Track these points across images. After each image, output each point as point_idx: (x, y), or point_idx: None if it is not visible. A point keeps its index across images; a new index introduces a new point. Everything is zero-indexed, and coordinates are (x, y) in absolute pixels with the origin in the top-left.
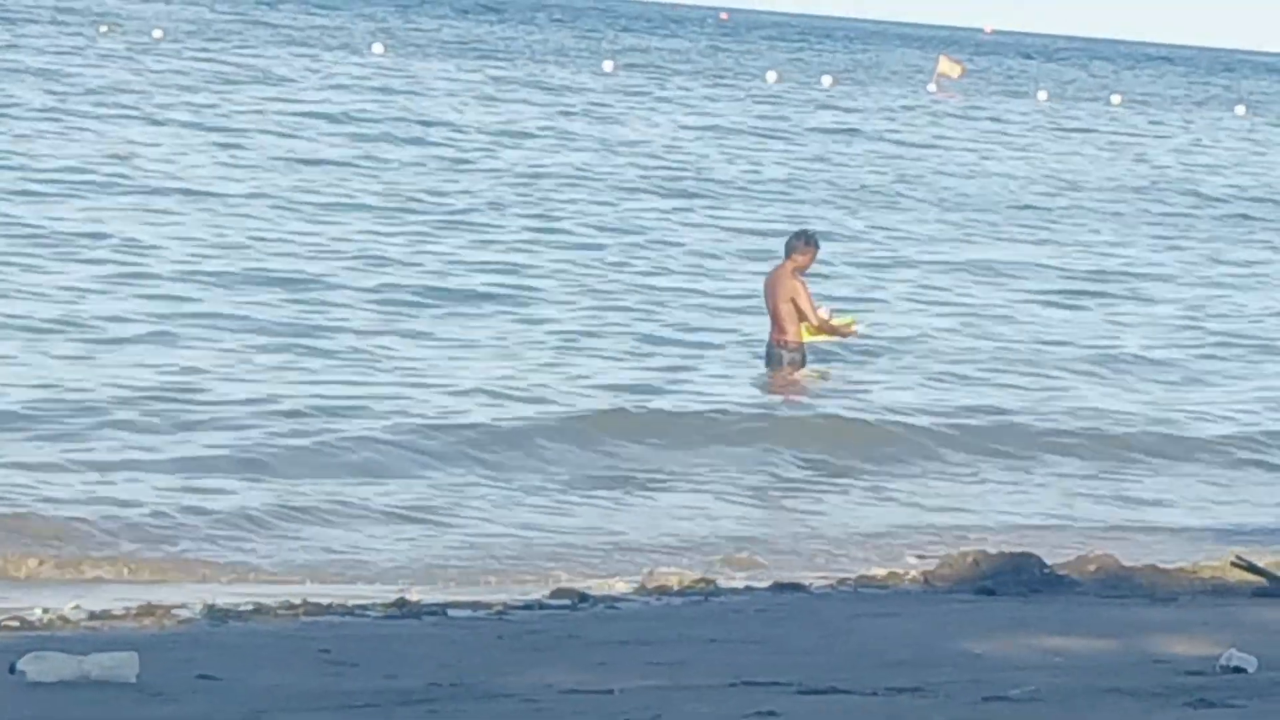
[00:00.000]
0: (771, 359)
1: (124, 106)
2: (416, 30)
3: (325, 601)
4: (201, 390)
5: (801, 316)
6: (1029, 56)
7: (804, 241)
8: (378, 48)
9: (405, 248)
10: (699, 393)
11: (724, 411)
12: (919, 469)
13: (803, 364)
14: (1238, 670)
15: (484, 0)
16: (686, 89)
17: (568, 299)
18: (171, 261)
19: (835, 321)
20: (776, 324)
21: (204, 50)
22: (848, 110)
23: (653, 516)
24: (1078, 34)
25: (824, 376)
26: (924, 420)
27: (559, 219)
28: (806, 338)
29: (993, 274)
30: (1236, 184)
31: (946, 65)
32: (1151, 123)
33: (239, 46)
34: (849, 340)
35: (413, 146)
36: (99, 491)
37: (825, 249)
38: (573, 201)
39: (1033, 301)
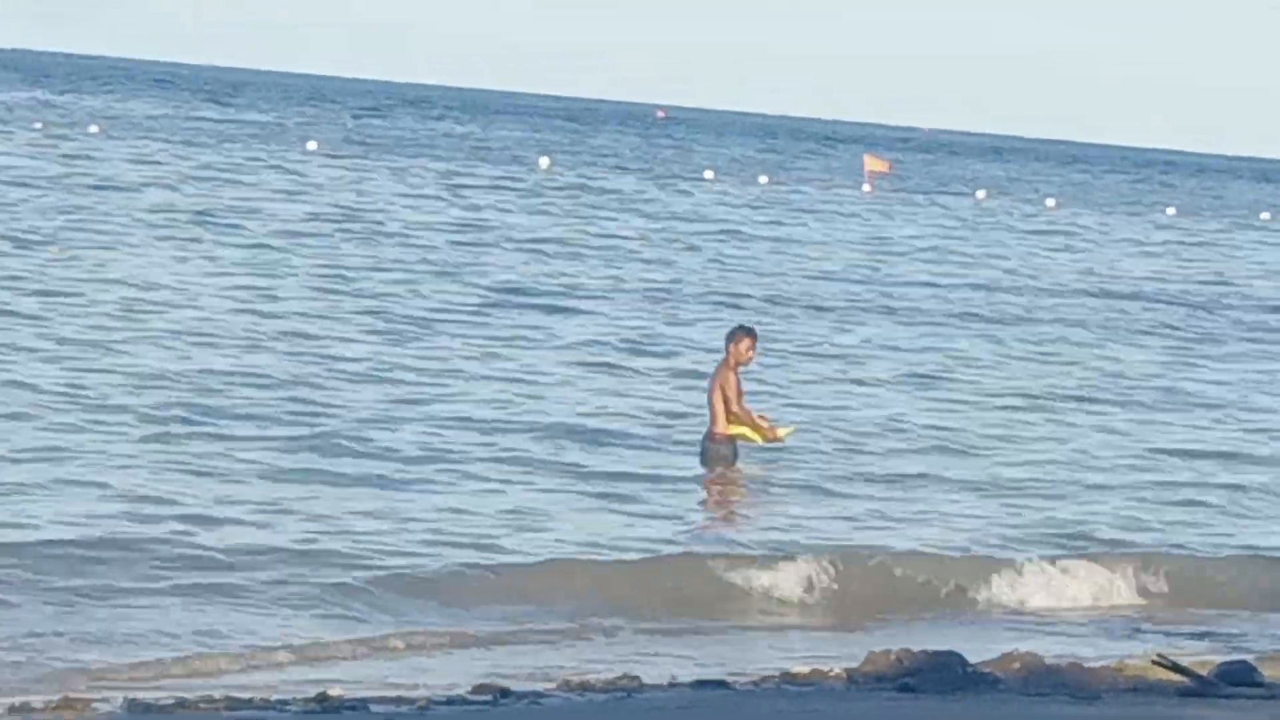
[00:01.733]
0: (704, 455)
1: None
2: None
3: (246, 696)
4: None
5: (726, 407)
6: (956, 153)
7: (741, 332)
8: (312, 145)
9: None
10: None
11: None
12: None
13: (733, 459)
14: None
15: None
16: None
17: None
18: None
19: (764, 423)
20: (710, 418)
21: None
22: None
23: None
24: (1016, 134)
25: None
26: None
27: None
28: (732, 430)
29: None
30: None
31: (872, 162)
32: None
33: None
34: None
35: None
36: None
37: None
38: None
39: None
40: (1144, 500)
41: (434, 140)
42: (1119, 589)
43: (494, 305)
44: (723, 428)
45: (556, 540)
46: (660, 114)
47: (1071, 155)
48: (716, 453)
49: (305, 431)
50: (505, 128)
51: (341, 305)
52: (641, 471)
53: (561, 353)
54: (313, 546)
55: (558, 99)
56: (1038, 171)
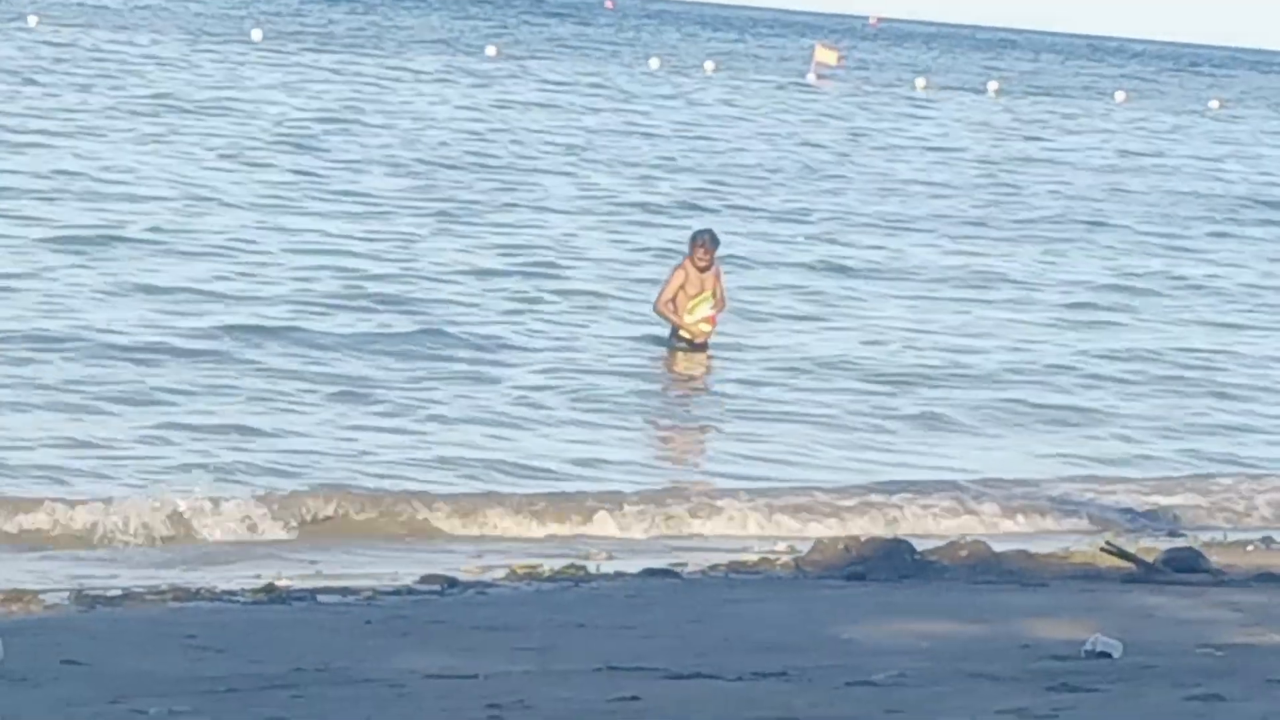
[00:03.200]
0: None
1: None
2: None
3: (194, 587)
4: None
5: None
6: (908, 45)
7: (697, 237)
8: (257, 34)
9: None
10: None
11: None
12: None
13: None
14: (1103, 655)
15: None
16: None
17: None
18: None
19: (688, 319)
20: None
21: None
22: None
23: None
24: (964, 22)
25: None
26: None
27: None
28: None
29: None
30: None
31: (823, 53)
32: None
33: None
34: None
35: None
36: None
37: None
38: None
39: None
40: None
41: (375, 30)
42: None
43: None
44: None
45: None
46: (609, 4)
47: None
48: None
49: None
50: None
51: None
52: None
53: None
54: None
55: None
56: (975, 59)
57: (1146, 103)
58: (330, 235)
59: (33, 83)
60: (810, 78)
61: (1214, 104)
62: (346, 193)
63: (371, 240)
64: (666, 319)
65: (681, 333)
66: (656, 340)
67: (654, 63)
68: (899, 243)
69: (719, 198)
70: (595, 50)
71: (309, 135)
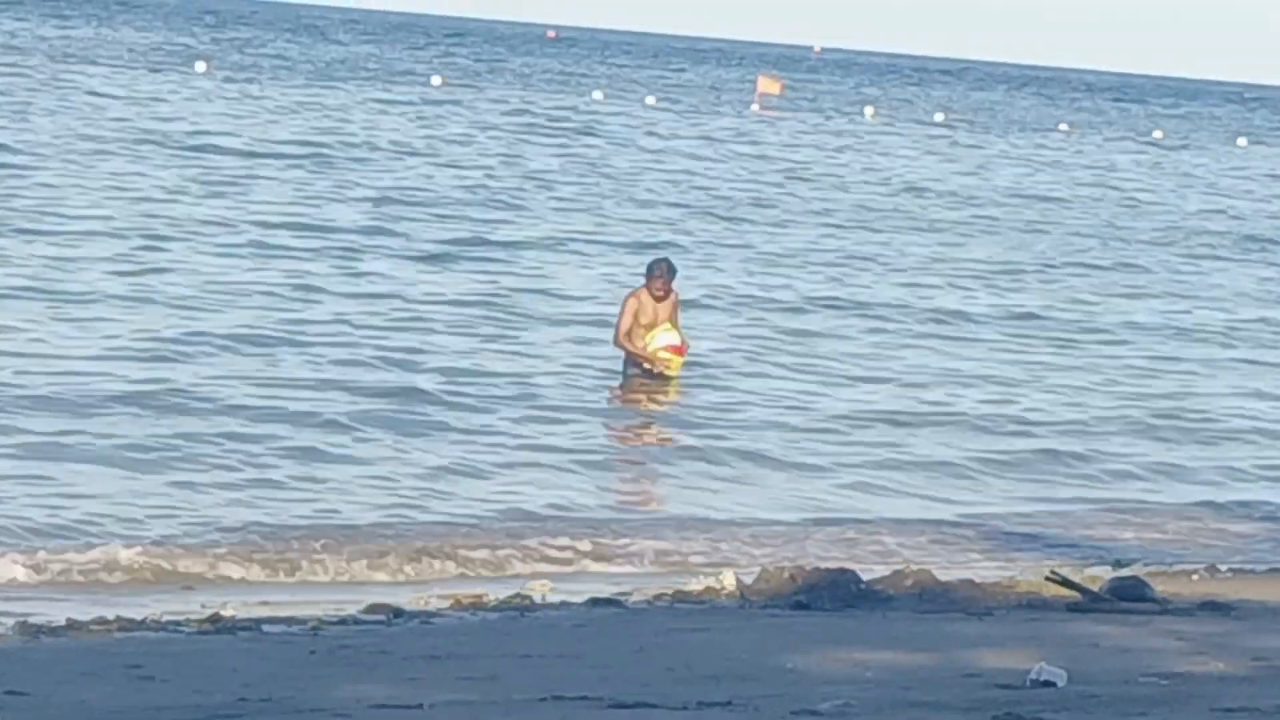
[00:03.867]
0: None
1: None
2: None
3: (139, 617)
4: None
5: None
6: (850, 74)
7: (653, 265)
8: (200, 65)
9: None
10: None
11: None
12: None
13: (624, 378)
14: (1047, 684)
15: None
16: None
17: None
18: None
19: (650, 350)
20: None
21: None
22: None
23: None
24: (908, 53)
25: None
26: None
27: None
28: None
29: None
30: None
31: (766, 83)
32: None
33: None
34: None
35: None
36: None
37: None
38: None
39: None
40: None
41: (329, 61)
42: None
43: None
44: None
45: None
46: (551, 34)
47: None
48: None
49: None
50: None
51: None
52: None
53: None
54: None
55: (449, 18)
56: (927, 89)
57: (1090, 133)
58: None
59: None
60: (754, 108)
61: (1158, 134)
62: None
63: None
64: (626, 351)
65: (643, 364)
66: (612, 372)
67: (598, 94)
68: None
69: (679, 230)
70: (539, 80)
71: None
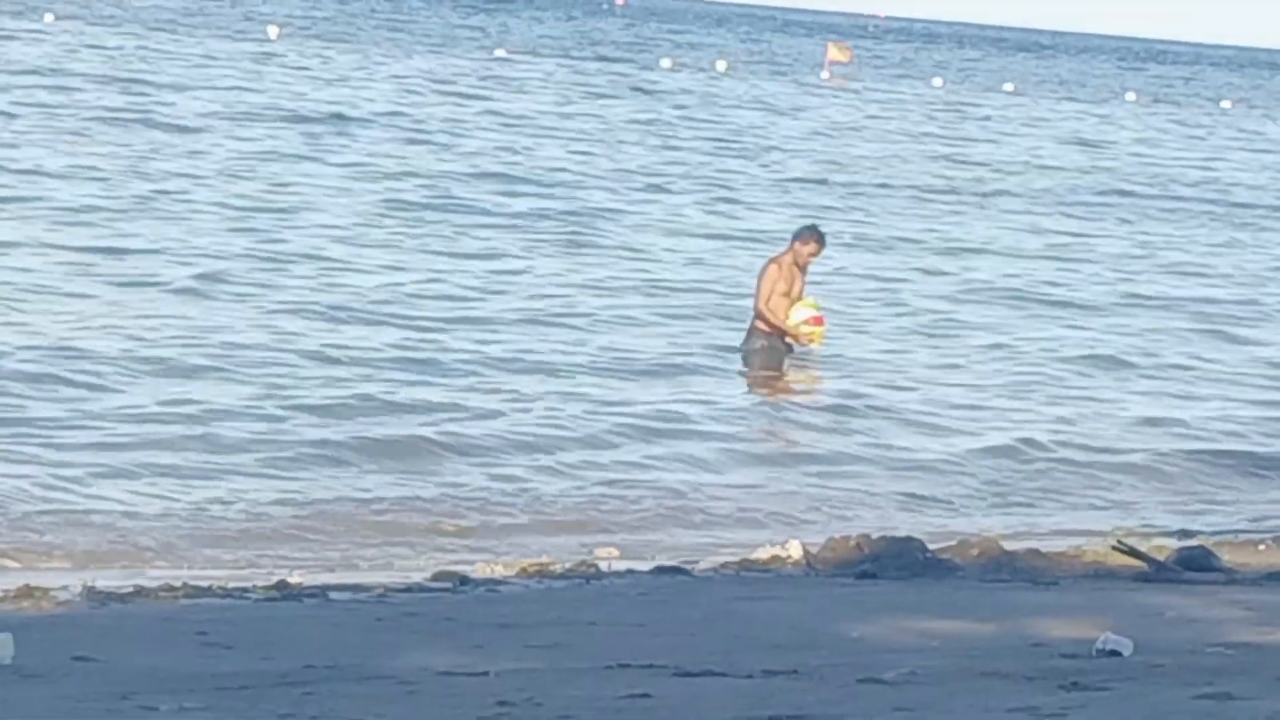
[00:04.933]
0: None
1: None
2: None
3: (205, 584)
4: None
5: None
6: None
7: (809, 233)
8: (273, 31)
9: None
10: None
11: None
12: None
13: (772, 357)
14: (1113, 654)
15: None
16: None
17: None
18: None
19: (792, 324)
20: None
21: None
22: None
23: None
24: (970, 20)
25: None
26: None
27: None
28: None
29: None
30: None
31: (835, 51)
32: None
33: None
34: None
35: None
36: None
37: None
38: None
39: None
40: None
41: (350, 19)
42: None
43: None
44: (760, 322)
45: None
46: (620, 0)
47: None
48: (750, 345)
49: None
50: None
51: None
52: None
53: None
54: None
55: None
56: (995, 58)
57: (1160, 106)
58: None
59: None
60: (825, 75)
61: (1226, 103)
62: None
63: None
64: (767, 323)
65: (785, 338)
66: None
67: (665, 62)
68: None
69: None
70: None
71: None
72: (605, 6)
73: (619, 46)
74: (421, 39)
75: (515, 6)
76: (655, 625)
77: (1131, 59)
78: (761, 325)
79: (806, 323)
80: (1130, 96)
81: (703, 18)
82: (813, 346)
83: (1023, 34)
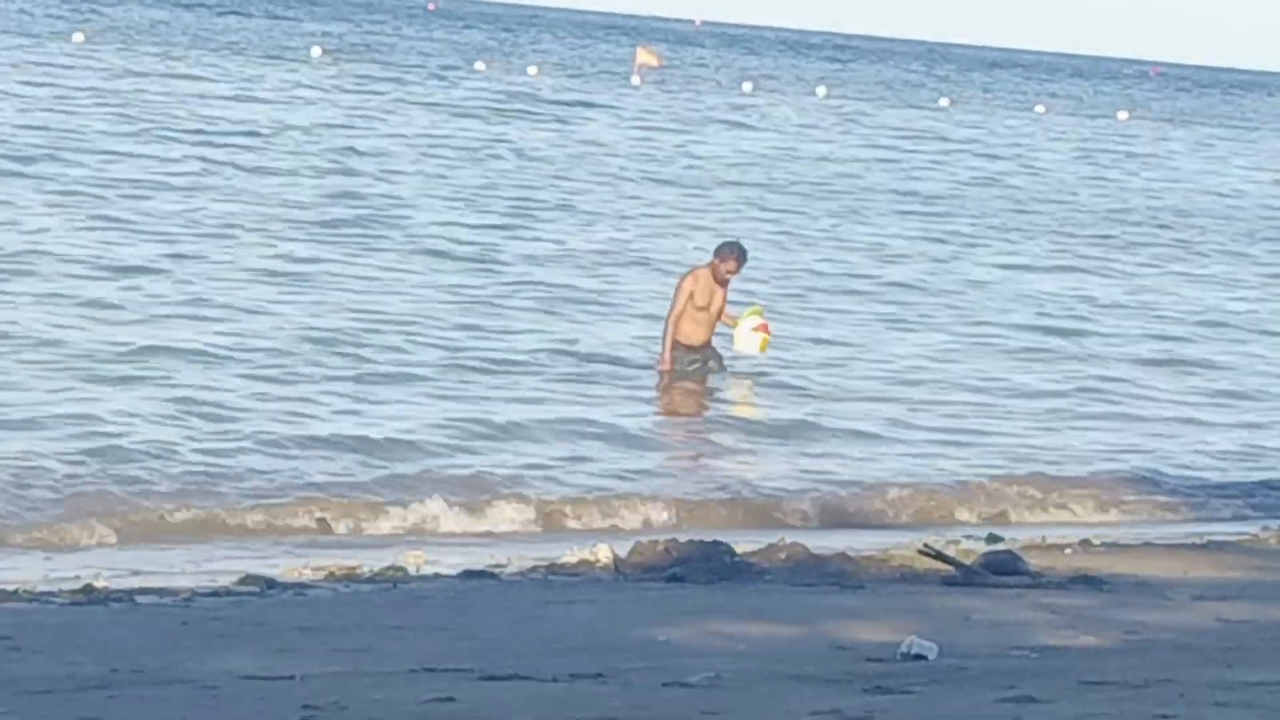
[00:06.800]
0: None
1: None
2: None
3: (11, 589)
4: None
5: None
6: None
7: (725, 250)
8: (78, 37)
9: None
10: None
11: None
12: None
13: (697, 366)
14: (919, 657)
15: None
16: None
17: None
18: None
19: (739, 330)
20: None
21: None
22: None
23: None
24: (786, 26)
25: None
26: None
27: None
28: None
29: None
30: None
31: (645, 56)
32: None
33: None
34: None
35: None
36: None
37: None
38: None
39: None
40: None
41: (192, 32)
42: None
43: None
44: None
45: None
46: (431, 5)
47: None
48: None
49: None
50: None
51: None
52: None
53: None
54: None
55: None
56: (802, 64)
57: (967, 106)
58: None
59: None
60: (635, 80)
61: (1039, 109)
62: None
63: None
64: (667, 335)
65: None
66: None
67: (479, 66)
68: None
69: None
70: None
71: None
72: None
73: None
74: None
75: (325, 10)
76: (462, 629)
77: (941, 63)
78: (679, 339)
79: (755, 330)
80: (944, 101)
81: (524, 22)
82: (757, 355)
83: (825, 36)
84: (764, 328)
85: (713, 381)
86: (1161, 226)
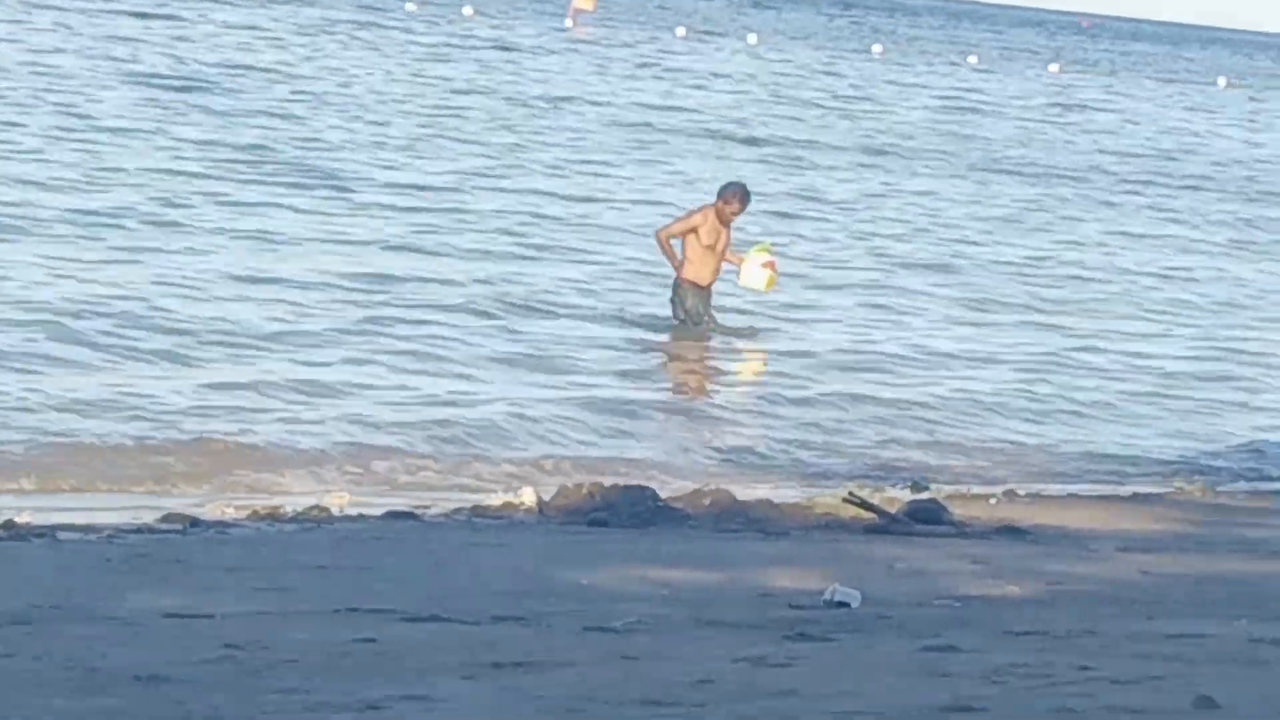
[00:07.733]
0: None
1: None
2: None
3: None
4: None
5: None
6: None
7: (729, 190)
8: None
9: None
10: None
11: None
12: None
13: (693, 307)
14: (841, 605)
15: None
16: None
17: None
18: None
19: (746, 265)
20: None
21: None
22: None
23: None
24: None
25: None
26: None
27: None
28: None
29: None
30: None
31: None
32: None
33: None
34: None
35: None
36: None
37: None
38: None
39: None
40: None
41: None
42: None
43: None
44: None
45: None
46: None
47: None
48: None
49: None
50: None
51: None
52: None
53: None
54: None
55: None
56: (741, 10)
57: (899, 55)
58: None
59: None
60: (568, 23)
61: (972, 59)
62: None
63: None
64: (663, 251)
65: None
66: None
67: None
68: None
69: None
70: None
71: None
72: None
73: None
74: None
75: None
76: (384, 570)
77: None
78: (689, 279)
79: (763, 266)
80: (876, 48)
81: None
82: (763, 291)
83: None
84: (771, 265)
85: (717, 342)
86: None
